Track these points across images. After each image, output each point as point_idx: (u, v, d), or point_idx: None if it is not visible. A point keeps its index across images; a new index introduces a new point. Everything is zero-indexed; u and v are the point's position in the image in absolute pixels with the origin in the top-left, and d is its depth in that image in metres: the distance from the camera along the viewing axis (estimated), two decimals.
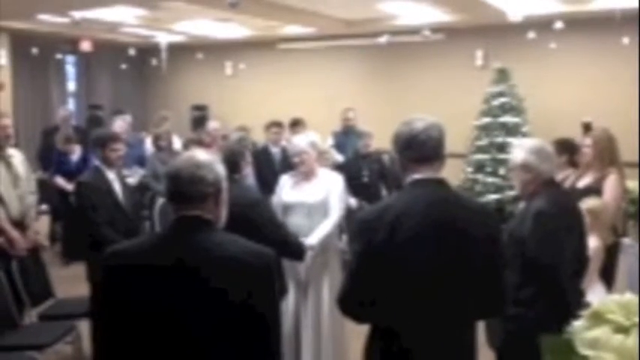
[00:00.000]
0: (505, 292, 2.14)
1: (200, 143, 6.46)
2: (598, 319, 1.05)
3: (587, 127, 7.06)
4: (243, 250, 1.74)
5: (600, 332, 1.02)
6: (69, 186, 6.19)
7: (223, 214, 1.86)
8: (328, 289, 3.62)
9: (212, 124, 7.22)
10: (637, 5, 6.99)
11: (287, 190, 3.73)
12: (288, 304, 3.61)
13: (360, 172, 6.45)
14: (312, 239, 3.50)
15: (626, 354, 0.98)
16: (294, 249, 3.25)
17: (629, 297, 1.06)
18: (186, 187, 1.76)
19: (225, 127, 7.71)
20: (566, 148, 4.46)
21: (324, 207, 3.64)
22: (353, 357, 2.70)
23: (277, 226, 3.17)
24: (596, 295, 3.19)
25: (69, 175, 6.45)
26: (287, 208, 3.68)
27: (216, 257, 1.71)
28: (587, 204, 3.44)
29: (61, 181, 6.61)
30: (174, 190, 1.78)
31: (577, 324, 1.07)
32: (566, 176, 4.29)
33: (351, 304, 2.08)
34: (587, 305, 2.56)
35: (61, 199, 6.63)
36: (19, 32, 9.67)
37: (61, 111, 8.03)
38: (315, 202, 3.63)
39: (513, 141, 2.97)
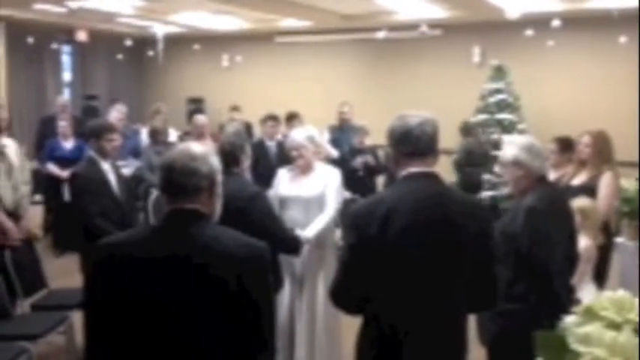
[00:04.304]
0: (497, 285, 2.15)
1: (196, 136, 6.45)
2: (591, 315, 1.05)
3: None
4: (237, 243, 1.74)
5: (593, 328, 1.02)
6: (63, 173, 6.15)
7: (217, 207, 1.85)
8: (324, 283, 3.59)
9: (201, 119, 6.93)
10: (634, 4, 7.00)
11: (284, 184, 3.70)
12: (284, 297, 3.59)
13: (354, 166, 6.48)
14: (308, 232, 3.49)
15: (617, 350, 0.99)
16: (290, 244, 3.23)
17: (622, 294, 1.07)
18: (179, 179, 1.75)
19: (218, 119, 7.61)
20: (569, 146, 4.47)
21: (321, 201, 3.61)
22: (347, 351, 2.70)
23: (275, 221, 3.15)
24: (585, 294, 3.20)
25: (62, 162, 6.43)
26: (284, 201, 3.66)
27: (209, 250, 1.70)
28: (577, 203, 3.43)
29: (52, 167, 6.56)
30: (168, 181, 1.77)
31: (570, 320, 1.07)
32: (566, 173, 4.31)
33: (343, 296, 2.10)
34: (577, 302, 2.57)
35: (53, 190, 6.58)
36: (15, 21, 9.60)
37: (59, 99, 7.97)
38: (312, 197, 3.60)
39: (504, 137, 2.99)
